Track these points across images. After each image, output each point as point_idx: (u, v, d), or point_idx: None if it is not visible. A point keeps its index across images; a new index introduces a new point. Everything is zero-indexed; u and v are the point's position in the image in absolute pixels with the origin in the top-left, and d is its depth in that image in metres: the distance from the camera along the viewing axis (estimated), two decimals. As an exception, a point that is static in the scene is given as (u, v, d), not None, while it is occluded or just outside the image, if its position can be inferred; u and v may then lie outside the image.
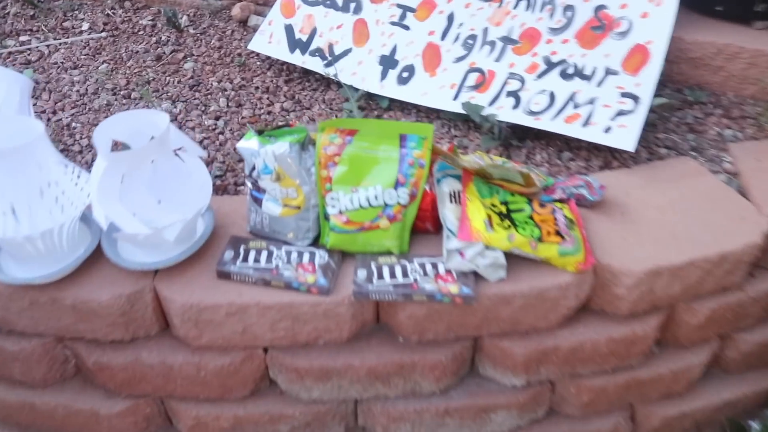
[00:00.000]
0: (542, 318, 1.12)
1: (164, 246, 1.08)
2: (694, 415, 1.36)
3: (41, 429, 1.27)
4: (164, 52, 1.76)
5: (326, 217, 1.10)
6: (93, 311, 1.08)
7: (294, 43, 1.64)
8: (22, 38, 1.83)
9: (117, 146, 1.16)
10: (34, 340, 1.15)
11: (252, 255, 1.09)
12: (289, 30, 1.65)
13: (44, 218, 1.03)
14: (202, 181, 1.10)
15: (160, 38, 1.82)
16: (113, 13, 1.93)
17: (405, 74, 1.54)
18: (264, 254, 1.09)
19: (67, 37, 1.83)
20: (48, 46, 1.79)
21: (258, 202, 1.11)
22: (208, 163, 1.37)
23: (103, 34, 1.84)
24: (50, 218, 1.04)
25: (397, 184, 1.07)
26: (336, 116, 1.51)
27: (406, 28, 1.58)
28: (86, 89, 1.60)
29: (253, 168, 1.08)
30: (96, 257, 1.10)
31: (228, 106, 1.55)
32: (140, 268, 1.06)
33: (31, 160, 1.02)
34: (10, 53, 1.74)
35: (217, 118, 1.51)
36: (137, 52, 1.76)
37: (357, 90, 1.54)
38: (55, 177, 1.05)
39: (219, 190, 1.30)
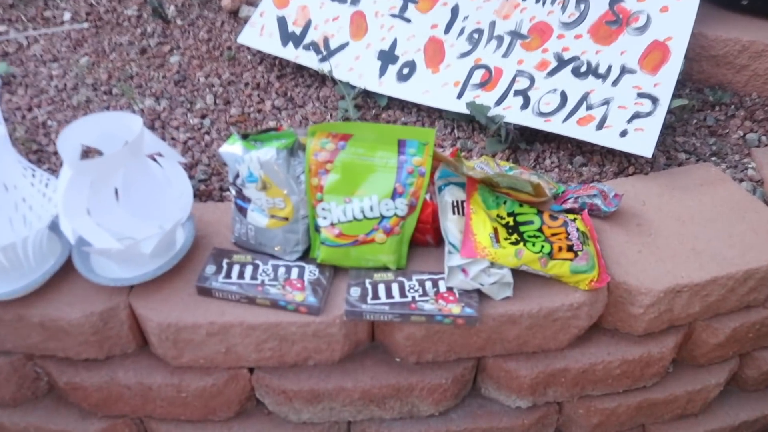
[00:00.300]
0: (551, 339, 1.03)
1: (140, 260, 0.99)
2: (709, 438, 1.28)
3: (13, 450, 1.19)
4: (149, 45, 1.66)
5: (317, 230, 1.01)
6: (63, 329, 0.99)
7: (287, 36, 1.54)
8: None
9: (89, 153, 1.07)
10: (2, 358, 1.06)
11: (236, 270, 1.00)
12: (281, 22, 1.55)
13: (5, 230, 0.94)
14: (182, 190, 1.01)
15: (146, 30, 1.72)
16: (96, 2, 1.82)
17: (405, 71, 1.44)
18: (249, 269, 1.00)
19: (48, 28, 1.73)
20: (27, 37, 1.69)
21: (243, 211, 1.02)
22: (192, 165, 1.27)
23: (86, 25, 1.74)
24: (12, 230, 0.95)
25: (394, 194, 0.98)
26: (331, 115, 1.42)
27: (407, 20, 1.48)
28: (65, 84, 1.51)
29: (237, 175, 0.99)
30: (67, 270, 1.02)
31: (215, 103, 1.45)
32: (114, 284, 0.97)
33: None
34: (-14, 44, 1.65)
35: (204, 117, 1.41)
36: (121, 44, 1.66)
37: (354, 87, 1.44)
38: (17, 183, 0.95)
39: (203, 195, 1.21)
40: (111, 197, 0.95)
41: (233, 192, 1.02)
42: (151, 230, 0.96)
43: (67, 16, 1.78)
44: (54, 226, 1.04)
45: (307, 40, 1.53)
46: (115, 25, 1.74)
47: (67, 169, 0.88)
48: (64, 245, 1.03)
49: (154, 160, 1.02)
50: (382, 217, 0.98)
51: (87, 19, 1.76)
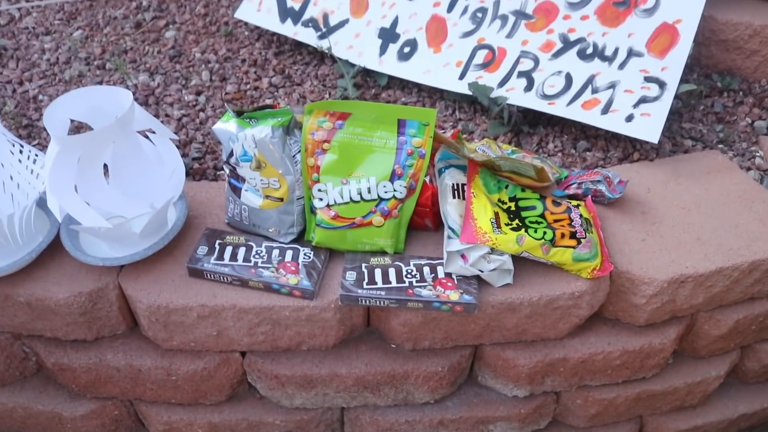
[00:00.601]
0: (551, 327, 1.01)
1: (130, 239, 0.96)
2: (707, 429, 1.26)
3: (1, 429, 1.18)
4: (144, 19, 1.61)
5: (312, 211, 0.98)
6: (50, 309, 0.96)
7: (285, 12, 1.50)
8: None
9: (81, 129, 1.03)
10: (-10, 336, 1.04)
11: (228, 251, 0.97)
12: (280, -3, 1.51)
13: (-10, 206, 0.91)
14: (174, 168, 0.98)
15: (141, 3, 1.67)
16: (91, -26, 1.77)
17: (406, 49, 1.40)
18: (242, 250, 0.97)
19: (41, 0, 1.68)
20: (19, 9, 1.64)
21: (236, 191, 0.99)
22: (186, 143, 1.24)
23: (80, -3, 1.69)
24: (-3, 206, 0.92)
25: (393, 176, 0.95)
26: (329, 94, 1.38)
27: (409, -2, 1.43)
28: (57, 58, 1.46)
29: (231, 153, 0.96)
30: (55, 248, 0.99)
31: (211, 80, 1.41)
32: (103, 263, 0.95)
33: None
34: (-24, 15, 1.60)
35: (199, 94, 1.38)
36: (115, 18, 1.62)
37: (353, 65, 1.40)
38: (3, 161, 0.92)
39: (197, 174, 1.18)
40: (100, 174, 0.92)
41: (227, 171, 0.99)
42: (141, 209, 0.94)
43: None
44: (42, 203, 1.01)
45: (306, 16, 1.48)
46: (109, -2, 1.70)
47: (54, 144, 0.84)
48: (52, 223, 1.00)
49: (146, 137, 0.99)
50: (380, 200, 0.95)
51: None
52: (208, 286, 0.96)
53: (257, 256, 0.96)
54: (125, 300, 0.99)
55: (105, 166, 0.95)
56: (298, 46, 1.51)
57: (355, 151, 0.96)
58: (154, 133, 0.97)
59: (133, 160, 0.96)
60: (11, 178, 0.94)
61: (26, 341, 1.05)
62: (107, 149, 0.92)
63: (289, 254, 0.97)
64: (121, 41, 1.53)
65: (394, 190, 0.95)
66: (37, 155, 0.99)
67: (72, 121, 0.90)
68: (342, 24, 1.45)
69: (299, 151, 0.96)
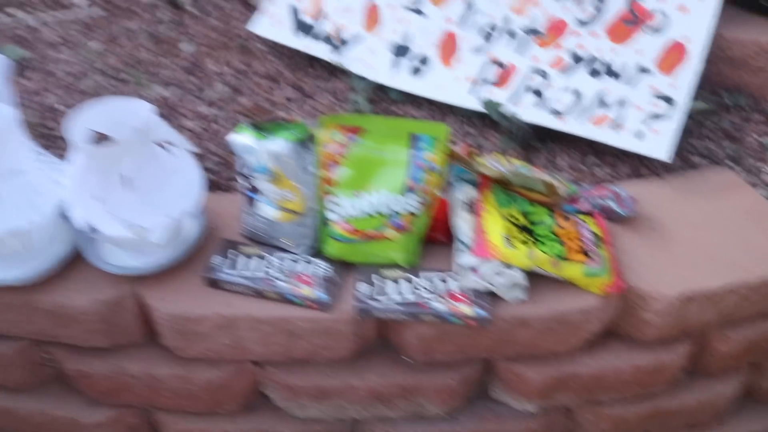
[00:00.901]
0: (562, 342, 1.02)
1: (149, 249, 0.98)
2: (717, 446, 1.27)
3: (17, 435, 1.19)
4: (160, 32, 1.64)
5: (326, 223, 1.00)
6: (71, 317, 0.98)
7: (298, 26, 1.52)
8: (10, 11, 1.71)
9: (99, 139, 1.05)
10: (10, 343, 1.06)
11: (244, 262, 0.99)
12: (293, 11, 1.54)
13: (14, 215, 0.94)
14: (192, 179, 1.00)
15: (158, 16, 1.70)
16: (109, -13, 1.81)
17: (418, 65, 1.42)
18: (257, 261, 0.99)
19: (60, 12, 1.71)
20: (39, 21, 1.67)
21: (252, 203, 1.01)
22: (202, 155, 1.26)
23: (98, 10, 1.73)
24: (20, 216, 0.94)
25: (406, 190, 0.97)
26: (342, 108, 1.40)
27: (422, 13, 1.46)
28: (75, 69, 1.49)
29: (247, 166, 0.98)
30: (76, 257, 1.01)
31: (226, 92, 1.44)
32: (122, 272, 0.97)
33: None
34: (-3, 27, 1.63)
35: (214, 106, 1.40)
36: (132, 30, 1.65)
37: (365, 80, 1.42)
38: (27, 168, 0.94)
39: (213, 186, 1.20)
40: (120, 184, 0.94)
41: (243, 183, 1.01)
42: (160, 219, 0.95)
43: (79, 0, 1.76)
44: (63, 212, 1.03)
45: (319, 30, 1.51)
46: (127, 11, 1.73)
47: (76, 153, 0.86)
48: (73, 231, 1.02)
49: (164, 148, 1.01)
50: (394, 213, 0.97)
51: (99, 4, 1.75)
52: (224, 296, 0.97)
53: (273, 267, 0.98)
54: (143, 309, 1.01)
55: (125, 175, 0.98)
56: (312, 60, 1.54)
57: (368, 164, 0.98)
58: (172, 144, 0.99)
59: (152, 171, 0.99)
60: (32, 185, 0.97)
61: (46, 348, 1.07)
62: (127, 160, 0.94)
63: (304, 266, 0.99)
64: (137, 53, 1.56)
65: (407, 204, 0.97)
66: (57, 163, 1.01)
67: (92, 131, 0.92)
68: (355, 39, 1.48)
69: (314, 164, 0.98)
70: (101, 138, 1.01)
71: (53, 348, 1.07)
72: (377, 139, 0.98)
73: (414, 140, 0.98)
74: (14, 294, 0.98)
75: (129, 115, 0.92)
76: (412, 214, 0.97)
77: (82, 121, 0.89)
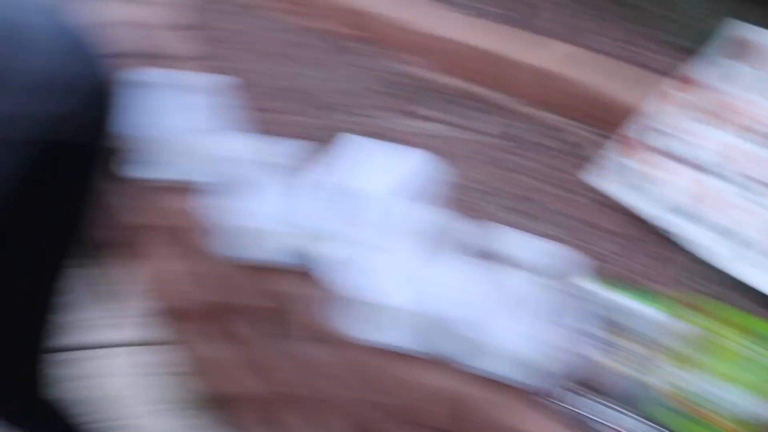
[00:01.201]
0: None
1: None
2: None
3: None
4: (503, 158, 1.89)
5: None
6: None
7: (635, 189, 1.64)
8: (423, 113, 1.99)
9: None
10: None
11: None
12: (628, 171, 1.67)
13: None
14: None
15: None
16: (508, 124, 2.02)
17: (755, 255, 1.43)
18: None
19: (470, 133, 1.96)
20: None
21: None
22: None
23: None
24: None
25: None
26: (684, 284, 1.44)
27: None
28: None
29: (614, 322, 1.10)
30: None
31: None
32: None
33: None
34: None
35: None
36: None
37: (703, 261, 1.48)
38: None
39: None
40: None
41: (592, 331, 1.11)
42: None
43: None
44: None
45: (658, 198, 1.59)
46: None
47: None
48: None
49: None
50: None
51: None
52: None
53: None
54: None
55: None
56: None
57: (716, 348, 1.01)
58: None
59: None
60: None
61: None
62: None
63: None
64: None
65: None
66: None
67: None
68: (691, 216, 1.55)
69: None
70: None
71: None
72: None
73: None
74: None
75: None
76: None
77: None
